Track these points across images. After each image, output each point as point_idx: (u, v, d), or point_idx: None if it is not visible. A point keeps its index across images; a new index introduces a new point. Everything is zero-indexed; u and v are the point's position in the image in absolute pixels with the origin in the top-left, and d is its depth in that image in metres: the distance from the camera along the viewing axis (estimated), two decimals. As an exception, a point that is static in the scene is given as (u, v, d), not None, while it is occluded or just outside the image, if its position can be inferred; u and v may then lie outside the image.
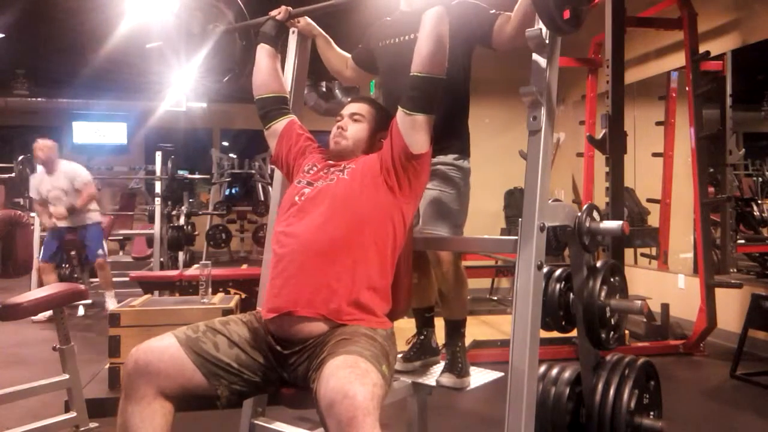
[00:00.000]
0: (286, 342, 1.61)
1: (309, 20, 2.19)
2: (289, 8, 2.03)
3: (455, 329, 2.11)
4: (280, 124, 1.93)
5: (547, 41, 1.55)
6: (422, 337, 2.19)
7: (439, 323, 2.18)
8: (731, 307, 4.17)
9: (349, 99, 2.53)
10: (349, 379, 1.30)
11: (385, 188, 1.68)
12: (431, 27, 1.63)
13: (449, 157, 2.02)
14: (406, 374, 2.06)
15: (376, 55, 2.17)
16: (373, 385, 1.31)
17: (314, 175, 1.78)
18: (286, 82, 2.07)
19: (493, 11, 1.97)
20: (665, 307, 4.43)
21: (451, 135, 2.01)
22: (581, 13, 1.51)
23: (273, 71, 1.97)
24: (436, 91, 1.67)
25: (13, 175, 6.47)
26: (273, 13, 2.03)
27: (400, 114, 1.68)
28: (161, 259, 6.41)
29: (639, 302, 1.72)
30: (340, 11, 1.97)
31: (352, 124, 1.83)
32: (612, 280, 1.71)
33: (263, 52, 1.99)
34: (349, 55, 2.30)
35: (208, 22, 2.12)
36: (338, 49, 2.30)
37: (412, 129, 1.66)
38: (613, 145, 4.08)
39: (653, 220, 5.51)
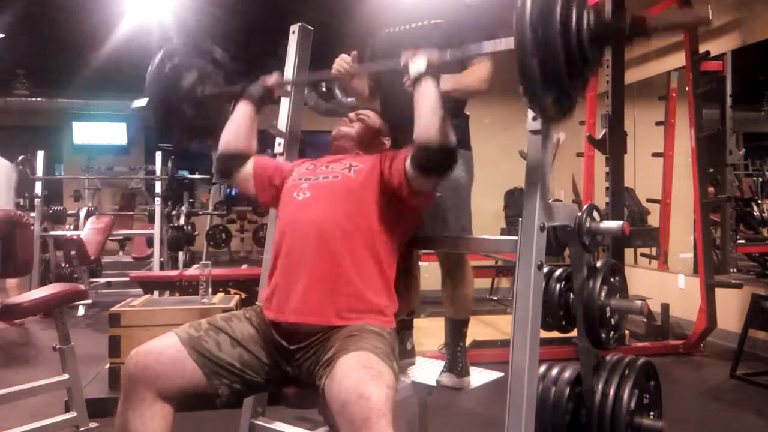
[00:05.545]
0: (291, 336, 1.61)
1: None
2: (279, 78, 1.95)
3: (457, 329, 2.10)
4: (248, 167, 1.87)
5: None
6: None
7: (440, 323, 2.18)
8: (731, 307, 4.17)
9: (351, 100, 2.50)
10: (364, 379, 1.30)
11: (387, 196, 1.68)
12: (424, 105, 1.56)
13: None
14: (403, 375, 2.06)
15: (381, 42, 2.11)
16: (387, 387, 1.32)
17: (312, 172, 1.79)
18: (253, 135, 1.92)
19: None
20: (665, 307, 4.43)
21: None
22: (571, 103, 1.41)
23: (248, 132, 1.89)
24: (442, 156, 1.57)
25: (13, 175, 6.45)
26: (265, 78, 1.94)
27: (408, 164, 1.61)
28: (161, 259, 6.41)
29: (639, 302, 1.72)
30: (340, 14, 1.95)
31: (358, 121, 1.91)
32: (612, 280, 1.70)
33: (243, 110, 1.90)
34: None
35: (198, 84, 1.98)
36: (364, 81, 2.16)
37: (417, 180, 1.61)
38: (613, 145, 4.08)
39: (653, 220, 5.51)
